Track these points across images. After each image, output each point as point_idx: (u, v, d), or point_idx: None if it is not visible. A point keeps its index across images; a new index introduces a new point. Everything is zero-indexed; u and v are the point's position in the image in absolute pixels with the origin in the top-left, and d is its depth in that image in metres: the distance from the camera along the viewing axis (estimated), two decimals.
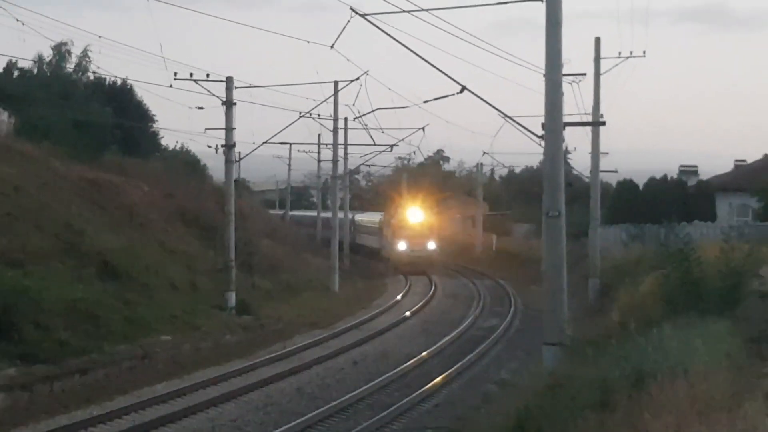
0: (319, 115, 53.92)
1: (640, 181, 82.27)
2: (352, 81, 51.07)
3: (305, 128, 75.94)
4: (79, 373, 27.62)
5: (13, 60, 62.48)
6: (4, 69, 61.05)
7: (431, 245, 71.30)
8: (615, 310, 31.64)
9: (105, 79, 64.63)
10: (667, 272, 28.16)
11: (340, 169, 62.09)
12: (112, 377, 28.47)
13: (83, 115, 57.29)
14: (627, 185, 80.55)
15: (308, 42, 43.87)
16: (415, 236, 70.89)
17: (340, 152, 60.74)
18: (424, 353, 35.94)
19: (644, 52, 49.65)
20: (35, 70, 62.69)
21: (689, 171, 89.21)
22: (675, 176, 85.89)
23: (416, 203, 73.83)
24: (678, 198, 74.49)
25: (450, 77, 26.17)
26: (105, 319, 31.13)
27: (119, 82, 61.86)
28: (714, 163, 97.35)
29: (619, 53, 48.23)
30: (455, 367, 32.79)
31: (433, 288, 65.71)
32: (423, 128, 59.76)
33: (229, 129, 42.51)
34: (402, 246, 70.09)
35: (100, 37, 42.71)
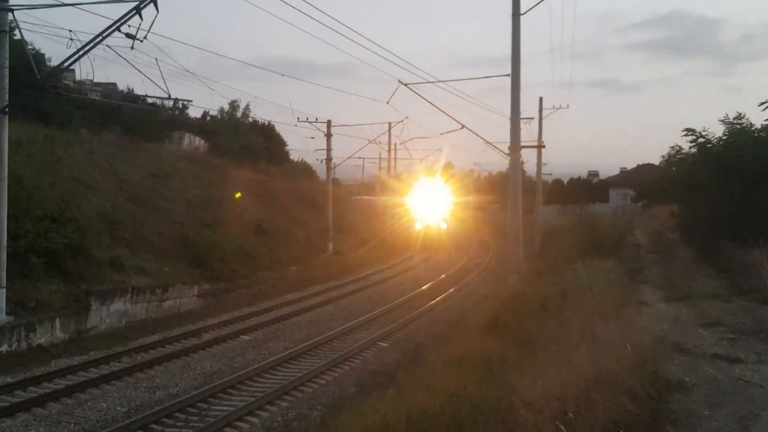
0: (379, 142, 54.13)
1: (565, 179, 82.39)
2: (398, 122, 52.51)
3: (373, 148, 76.18)
4: (244, 288, 27.96)
5: (207, 110, 63.43)
6: (201, 115, 61.56)
7: (443, 225, 56.99)
8: (550, 254, 31.59)
9: (258, 121, 65.18)
10: (580, 232, 28.14)
11: (393, 172, 62.59)
12: (263, 290, 28.78)
13: (246, 141, 57.73)
14: (557, 182, 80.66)
15: (374, 99, 45.06)
16: (428, 218, 55.11)
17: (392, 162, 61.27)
18: (441, 276, 36.13)
19: (568, 105, 50.25)
20: (219, 116, 63.05)
21: (593, 174, 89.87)
22: (585, 177, 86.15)
23: (428, 191, 58.21)
24: (587, 190, 74.76)
25: (455, 119, 26.25)
26: (258, 257, 31.43)
27: (267, 122, 62.18)
28: (608, 169, 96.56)
29: (553, 106, 48.27)
30: (455, 286, 32.80)
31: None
32: (440, 149, 62.73)
33: (328, 150, 42.86)
34: (419, 226, 55.55)
35: (256, 97, 43.28)
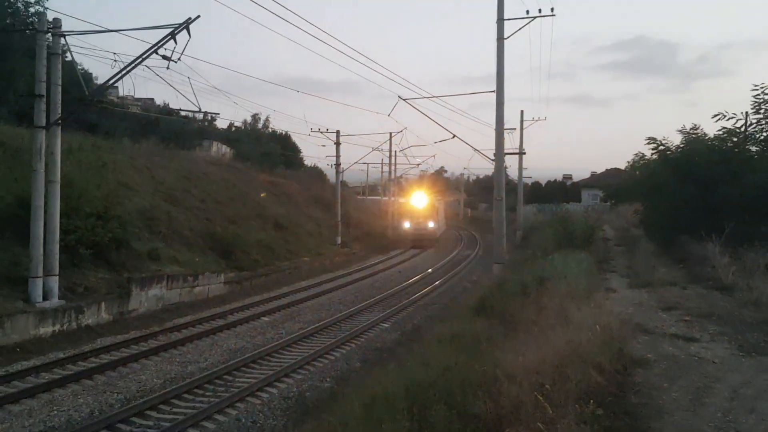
0: (382, 149, 54.03)
1: (543, 182, 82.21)
2: (398, 132, 52.67)
3: (376, 155, 75.98)
4: (264, 275, 27.92)
5: (232, 122, 63.45)
6: (227, 126, 61.58)
7: (431, 224, 52.19)
8: (529, 247, 31.56)
9: (277, 131, 65.13)
10: (556, 227, 28.08)
11: (393, 176, 62.48)
12: (280, 277, 28.75)
13: (266, 149, 57.69)
14: (536, 184, 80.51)
15: (377, 112, 45.29)
16: (417, 217, 51.48)
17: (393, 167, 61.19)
18: (433, 267, 36.07)
19: (546, 117, 50.33)
20: (243, 127, 63.03)
21: (567, 177, 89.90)
22: (560, 179, 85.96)
23: (419, 193, 54.79)
24: (561, 191, 74.66)
25: (447, 130, 26.33)
26: (276, 249, 31.38)
27: (284, 132, 62.21)
28: (580, 173, 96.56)
29: (533, 118, 48.32)
30: (448, 274, 32.75)
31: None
32: (434, 156, 62.76)
33: (337, 156, 42.76)
34: (406, 225, 51.05)
35: (274, 110, 43.21)
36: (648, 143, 23.17)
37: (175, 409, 11.77)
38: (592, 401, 6.91)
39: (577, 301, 11.93)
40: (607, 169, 76.67)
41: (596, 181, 71.86)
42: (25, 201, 18.01)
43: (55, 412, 11.48)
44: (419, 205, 52.61)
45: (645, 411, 7.43)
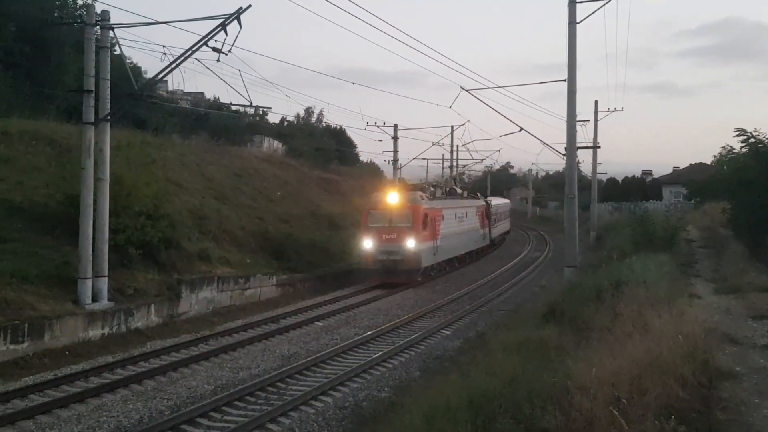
0: (443, 144, 53.75)
1: (619, 178, 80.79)
2: (461, 125, 52.15)
3: (437, 150, 76.12)
4: (318, 278, 28.22)
5: (285, 116, 64.43)
6: (279, 120, 62.50)
7: (411, 244, 28.85)
8: (604, 249, 31.03)
9: (331, 125, 65.77)
10: (634, 228, 27.57)
11: (454, 172, 62.13)
12: (335, 279, 29.03)
13: (319, 144, 58.29)
14: (611, 181, 79.08)
15: (438, 105, 45.94)
16: (389, 231, 29.56)
17: (454, 162, 60.65)
18: (498, 270, 35.77)
19: (623, 108, 48.86)
20: (295, 121, 63.87)
21: (647, 172, 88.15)
22: (639, 176, 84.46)
23: (399, 189, 32.09)
24: (640, 188, 73.22)
25: (514, 122, 26.01)
26: (330, 250, 31.63)
27: (338, 127, 62.69)
28: (661, 168, 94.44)
29: (608, 108, 47.12)
30: (516, 278, 32.46)
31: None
32: (499, 150, 61.79)
33: (395, 151, 42.79)
34: (368, 244, 29.54)
35: (328, 103, 43.63)
36: (737, 135, 22.49)
37: (226, 417, 12.02)
38: (673, 417, 6.76)
39: (657, 307, 11.67)
40: (691, 164, 74.77)
41: (679, 177, 70.07)
42: (74, 199, 18.67)
43: (104, 417, 11.88)
44: (396, 209, 29.60)
45: (732, 429, 7.23)
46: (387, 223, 28.71)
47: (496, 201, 54.01)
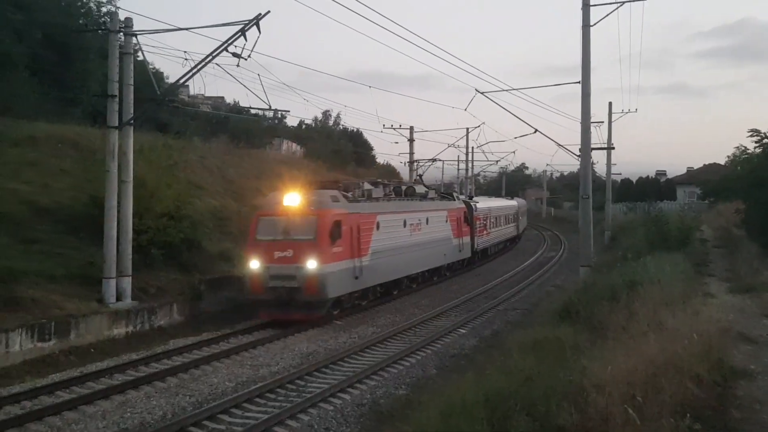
0: (458, 145, 53.66)
1: (634, 179, 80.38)
2: (476, 127, 51.67)
3: (452, 151, 76.13)
4: None
5: (303, 119, 64.78)
6: (298, 124, 62.78)
7: (312, 265, 18.76)
8: (619, 248, 30.85)
9: (348, 128, 65.96)
10: (648, 228, 27.42)
11: (470, 173, 62.11)
12: None
13: (337, 146, 58.53)
14: (625, 181, 78.64)
15: (453, 107, 45.14)
16: (283, 246, 19.21)
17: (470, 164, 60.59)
18: (515, 269, 35.66)
19: (636, 109, 49.00)
20: (313, 124, 64.10)
21: (661, 173, 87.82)
22: (653, 176, 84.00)
23: (305, 186, 21.41)
24: (654, 188, 72.85)
25: (529, 124, 25.97)
26: None
27: (355, 129, 62.91)
28: (675, 169, 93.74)
29: (622, 110, 47.22)
30: (531, 277, 32.35)
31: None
32: (514, 152, 61.46)
33: (411, 153, 42.90)
34: (255, 264, 19.30)
35: (346, 106, 43.74)
36: (750, 135, 22.39)
37: (247, 414, 12.06)
38: (688, 415, 6.72)
39: (671, 306, 11.60)
40: (705, 165, 74.30)
41: (693, 177, 69.66)
42: (99, 201, 18.83)
43: (128, 414, 11.96)
44: (295, 216, 19.97)
45: (748, 427, 7.17)
46: (281, 235, 19.54)
47: (490, 203, 44.98)
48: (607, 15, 22.24)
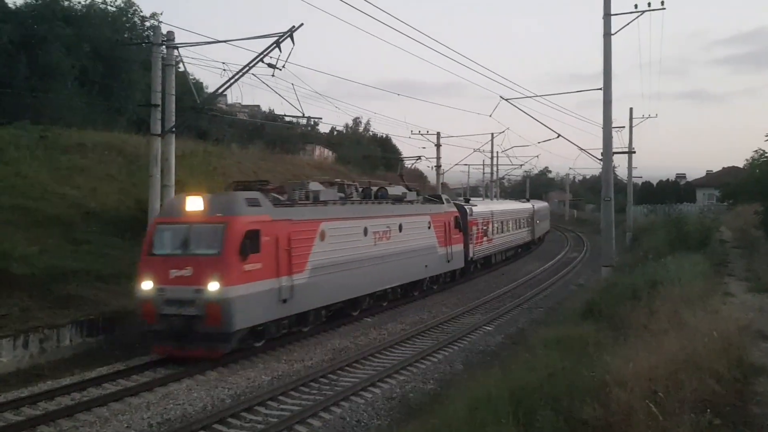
0: (483, 150, 53.44)
1: (654, 182, 79.47)
2: (500, 133, 51.73)
3: (478, 156, 75.65)
4: None
5: (334, 126, 65.14)
6: (329, 130, 63.01)
7: (215, 286, 13.80)
8: (640, 249, 30.48)
9: (377, 134, 66.09)
10: (668, 229, 27.08)
11: (494, 177, 61.83)
12: None
13: (366, 152, 58.68)
14: (646, 184, 77.70)
15: (478, 113, 44.89)
16: (181, 262, 14.11)
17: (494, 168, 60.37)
18: (538, 269, 35.38)
19: (656, 115, 48.31)
20: (344, 131, 64.34)
21: (681, 176, 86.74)
22: (673, 179, 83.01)
23: (219, 188, 19.98)
24: (674, 190, 71.98)
25: (552, 129, 25.81)
26: None
27: (384, 135, 62.98)
28: (695, 172, 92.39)
29: (642, 115, 46.32)
30: (555, 276, 32.09)
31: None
32: (537, 156, 60.26)
33: (438, 158, 42.68)
34: (147, 286, 14.23)
35: (375, 113, 43.86)
36: None
37: (282, 406, 12.15)
38: (708, 410, 6.61)
39: (691, 305, 11.41)
40: (724, 168, 73.13)
41: (712, 180, 68.67)
42: (143, 204, 19.12)
43: (171, 405, 12.10)
44: (198, 224, 14.85)
45: (766, 422, 7.04)
46: (180, 249, 14.88)
47: (493, 206, 38.40)
48: (628, 24, 22.06)
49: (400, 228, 22.44)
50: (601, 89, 22.37)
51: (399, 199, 23.80)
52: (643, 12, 21.76)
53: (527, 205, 48.52)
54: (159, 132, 18.72)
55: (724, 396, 7.49)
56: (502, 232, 37.31)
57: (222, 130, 40.20)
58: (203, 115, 24.11)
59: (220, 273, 14.19)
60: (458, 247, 28.11)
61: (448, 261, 26.90)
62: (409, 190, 25.88)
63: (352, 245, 19.30)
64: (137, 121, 30.40)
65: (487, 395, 8.55)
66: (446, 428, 8.06)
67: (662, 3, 21.84)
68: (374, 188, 23.36)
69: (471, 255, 30.36)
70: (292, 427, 11.00)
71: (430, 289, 26.04)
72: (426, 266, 24.73)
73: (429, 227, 25.13)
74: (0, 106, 27.28)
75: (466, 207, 31.22)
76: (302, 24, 17.23)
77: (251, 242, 14.80)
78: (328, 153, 56.28)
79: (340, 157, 54.54)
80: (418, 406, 11.90)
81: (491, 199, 50.73)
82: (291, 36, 17.27)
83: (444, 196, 29.03)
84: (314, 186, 19.39)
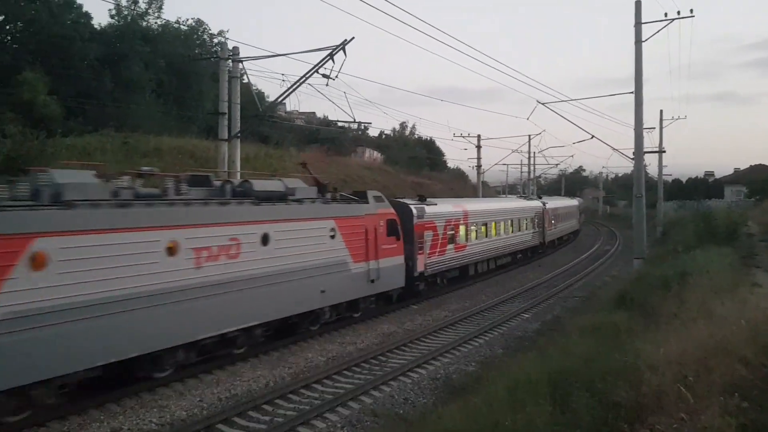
0: (521, 151, 52.85)
1: (683, 179, 77.42)
2: (537, 134, 51.26)
3: (516, 156, 74.78)
4: None
5: (383, 130, 65.41)
6: (378, 134, 63.18)
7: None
8: (670, 242, 29.72)
9: (422, 137, 65.98)
10: (697, 223, 26.35)
11: (532, 175, 61.08)
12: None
13: (412, 153, 58.69)
14: (676, 181, 75.74)
15: (516, 117, 44.27)
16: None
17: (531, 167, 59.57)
18: (573, 261, 34.78)
19: (686, 116, 46.97)
20: (392, 134, 64.46)
21: (709, 173, 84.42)
22: (702, 176, 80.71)
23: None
24: (703, 187, 69.93)
25: (585, 131, 25.39)
26: None
27: (429, 138, 62.84)
28: (723, 170, 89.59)
29: (672, 117, 45.42)
30: (589, 268, 31.52)
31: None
32: (572, 156, 59.10)
33: (478, 158, 42.48)
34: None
35: (420, 118, 43.84)
36: None
37: (336, 384, 12.25)
38: (736, 394, 6.40)
39: (720, 295, 11.07)
40: (751, 165, 70.92)
41: (740, 177, 66.63)
42: None
43: (238, 381, 12.32)
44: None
45: None
46: None
47: (469, 205, 27.76)
48: (658, 31, 21.59)
49: (265, 240, 13.78)
50: (632, 93, 21.91)
51: (270, 197, 14.46)
52: (673, 20, 21.22)
53: (533, 204, 37.66)
54: (226, 137, 19.08)
55: (751, 381, 7.23)
56: (485, 237, 27.17)
57: (281, 135, 40.70)
58: (265, 122, 24.45)
59: None
60: (395, 261, 19.13)
61: (372, 281, 17.86)
62: (320, 184, 17.40)
63: (134, 271, 10.76)
64: (207, 128, 31.07)
65: (527, 377, 8.47)
66: (487, 407, 8.00)
67: (691, 11, 21.30)
68: (218, 182, 14.53)
69: (420, 269, 21.20)
70: (346, 403, 11.09)
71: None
72: (322, 292, 15.73)
73: (333, 236, 16.26)
74: (88, 116, 28.21)
75: (412, 207, 21.35)
76: (353, 38, 17.36)
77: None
78: (377, 155, 56.43)
79: (388, 158, 54.63)
80: (461, 386, 11.86)
81: (519, 196, 45.82)
82: (343, 49, 17.40)
83: (374, 194, 19.25)
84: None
